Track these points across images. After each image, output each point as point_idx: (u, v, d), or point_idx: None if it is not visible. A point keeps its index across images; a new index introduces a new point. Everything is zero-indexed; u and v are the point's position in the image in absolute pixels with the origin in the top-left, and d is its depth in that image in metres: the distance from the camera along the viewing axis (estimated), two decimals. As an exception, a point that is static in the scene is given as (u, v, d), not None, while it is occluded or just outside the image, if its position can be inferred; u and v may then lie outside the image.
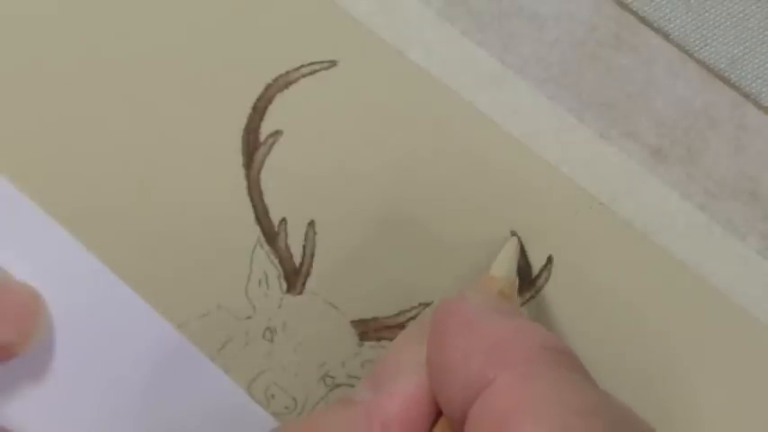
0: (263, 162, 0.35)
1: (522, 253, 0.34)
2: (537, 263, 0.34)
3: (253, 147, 0.35)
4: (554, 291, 0.33)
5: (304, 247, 0.35)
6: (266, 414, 0.34)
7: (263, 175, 0.35)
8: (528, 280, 0.33)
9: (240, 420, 0.34)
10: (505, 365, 0.25)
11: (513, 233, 0.33)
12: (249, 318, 0.35)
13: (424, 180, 0.34)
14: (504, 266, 0.31)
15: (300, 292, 0.35)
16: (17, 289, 0.34)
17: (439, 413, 0.27)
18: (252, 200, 0.35)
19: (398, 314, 0.34)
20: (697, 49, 0.34)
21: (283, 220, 0.35)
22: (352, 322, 0.34)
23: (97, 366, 0.35)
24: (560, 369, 0.25)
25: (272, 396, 0.34)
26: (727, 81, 0.33)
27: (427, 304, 0.34)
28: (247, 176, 0.35)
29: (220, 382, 0.34)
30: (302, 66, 0.35)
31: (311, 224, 0.35)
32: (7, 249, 0.35)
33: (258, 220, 0.35)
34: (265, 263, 0.35)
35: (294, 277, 0.35)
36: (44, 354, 0.35)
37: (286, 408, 0.34)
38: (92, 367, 0.35)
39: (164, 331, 0.35)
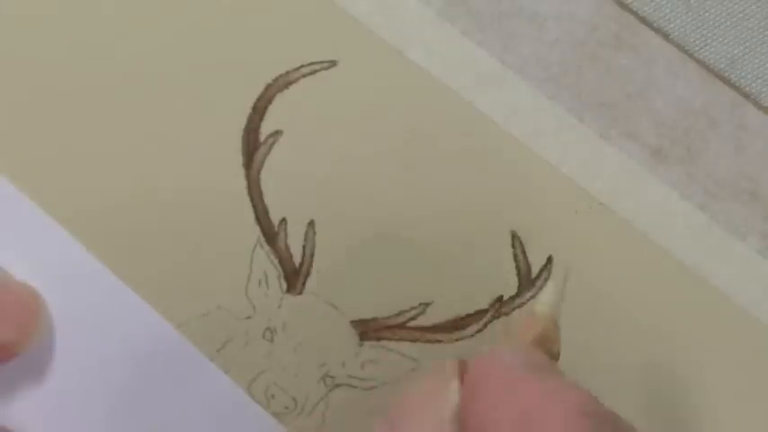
0: (263, 162, 0.35)
1: (523, 253, 0.34)
2: (537, 263, 0.34)
3: (253, 147, 0.35)
4: (554, 291, 0.33)
5: (304, 247, 0.35)
6: (266, 414, 0.34)
7: (263, 175, 0.35)
8: (529, 280, 0.33)
9: (240, 420, 0.34)
10: None
11: (566, 268, 0.32)
12: (249, 318, 0.35)
13: (423, 180, 0.34)
14: (549, 302, 0.29)
15: (300, 292, 0.35)
16: (17, 289, 0.34)
17: None
18: (252, 200, 0.35)
19: (398, 314, 0.34)
20: (697, 49, 0.34)
21: (283, 220, 0.35)
22: (352, 322, 0.34)
23: (97, 366, 0.35)
24: None
25: (272, 396, 0.34)
26: (727, 81, 0.33)
27: (427, 304, 0.34)
28: (247, 176, 0.35)
29: (220, 382, 0.34)
30: (302, 66, 0.35)
31: (311, 224, 0.35)
32: (7, 249, 0.35)
33: (258, 220, 0.35)
34: (265, 263, 0.35)
35: (294, 277, 0.35)
36: (44, 354, 0.35)
37: (286, 408, 0.34)
38: (91, 367, 0.35)
39: (164, 331, 0.35)
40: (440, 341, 0.34)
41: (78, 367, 0.35)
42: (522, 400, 0.24)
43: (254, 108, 0.35)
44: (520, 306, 0.33)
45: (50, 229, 0.35)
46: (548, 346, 0.28)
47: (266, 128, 0.35)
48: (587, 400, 0.24)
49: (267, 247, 0.35)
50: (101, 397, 0.35)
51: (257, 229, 0.35)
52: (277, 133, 0.35)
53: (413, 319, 0.34)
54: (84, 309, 0.35)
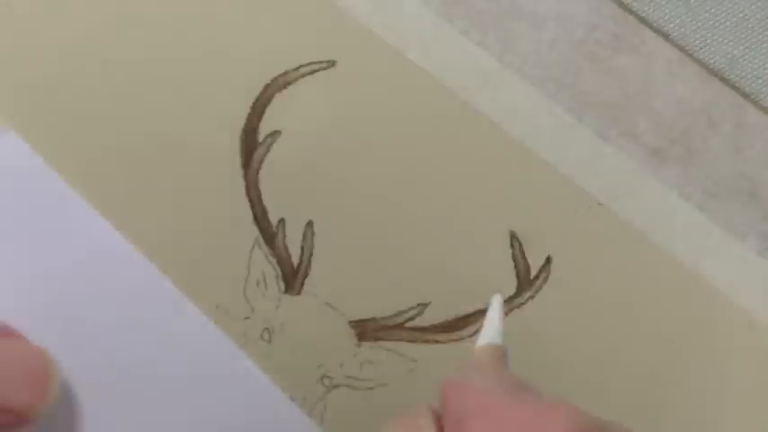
0: (261, 162, 0.35)
1: (522, 253, 0.34)
2: (536, 263, 0.33)
3: (251, 147, 0.35)
4: (553, 291, 0.33)
5: (302, 247, 0.35)
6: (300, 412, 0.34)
7: (262, 176, 0.35)
8: (527, 280, 0.33)
9: (272, 415, 0.34)
10: None
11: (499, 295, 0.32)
12: (247, 318, 0.35)
13: (423, 180, 0.34)
14: (494, 334, 0.28)
15: (299, 293, 0.35)
16: (33, 353, 0.34)
17: None
18: (250, 200, 0.35)
19: (397, 314, 0.34)
20: (696, 49, 0.34)
21: (281, 221, 0.35)
22: (351, 323, 0.34)
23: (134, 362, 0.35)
24: None
25: (270, 397, 0.34)
26: (726, 81, 0.33)
27: (425, 305, 0.34)
28: (246, 177, 0.35)
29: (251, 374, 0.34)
30: (301, 66, 0.35)
31: (309, 224, 0.35)
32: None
33: (256, 220, 0.35)
34: (263, 263, 0.35)
35: (292, 278, 0.35)
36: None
37: (284, 408, 0.34)
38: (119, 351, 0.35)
39: (208, 336, 0.34)
40: (438, 341, 0.34)
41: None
42: (509, 421, 0.23)
43: (253, 108, 0.35)
44: (519, 306, 0.33)
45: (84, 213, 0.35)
46: None
47: (265, 128, 0.35)
48: (575, 415, 0.23)
49: (265, 248, 0.35)
50: (107, 392, 0.35)
51: (255, 229, 0.35)
52: (276, 133, 0.35)
53: (411, 319, 0.34)
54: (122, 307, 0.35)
